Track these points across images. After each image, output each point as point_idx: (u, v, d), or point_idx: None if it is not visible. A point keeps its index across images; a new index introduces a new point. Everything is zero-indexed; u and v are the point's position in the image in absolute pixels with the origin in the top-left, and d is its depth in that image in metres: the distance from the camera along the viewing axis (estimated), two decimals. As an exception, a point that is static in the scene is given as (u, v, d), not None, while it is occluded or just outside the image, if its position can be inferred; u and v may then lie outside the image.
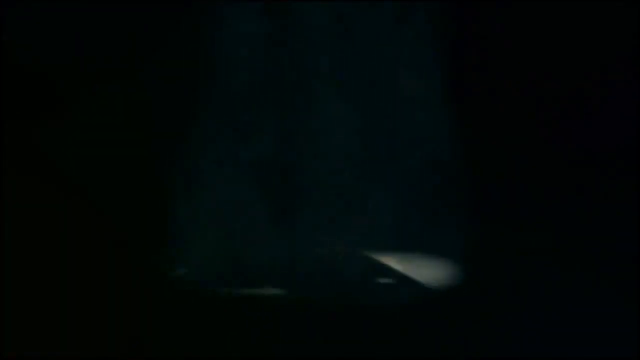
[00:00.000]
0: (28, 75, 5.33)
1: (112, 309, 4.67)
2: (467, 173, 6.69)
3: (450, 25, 6.88)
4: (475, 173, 6.48)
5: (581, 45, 5.84)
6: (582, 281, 5.31)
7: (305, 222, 7.69)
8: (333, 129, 7.00)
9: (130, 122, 5.89)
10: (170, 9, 6.25)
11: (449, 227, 6.71)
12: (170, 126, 6.49)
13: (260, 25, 7.45)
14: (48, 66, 5.50)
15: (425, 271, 6.47)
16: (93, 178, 5.52)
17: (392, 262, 6.87)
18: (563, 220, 5.75)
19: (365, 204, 7.09)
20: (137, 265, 5.30)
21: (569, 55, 5.94)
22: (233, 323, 4.78)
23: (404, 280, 6.14)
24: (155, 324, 4.58)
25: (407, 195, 7.51)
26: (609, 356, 4.17)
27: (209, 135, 7.37)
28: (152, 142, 6.05)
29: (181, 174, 6.84)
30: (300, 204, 7.45)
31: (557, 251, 5.67)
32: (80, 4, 5.60)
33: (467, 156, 6.65)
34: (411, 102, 7.43)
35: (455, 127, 6.78)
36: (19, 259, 4.93)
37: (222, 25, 7.20)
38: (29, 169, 5.16)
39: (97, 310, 4.63)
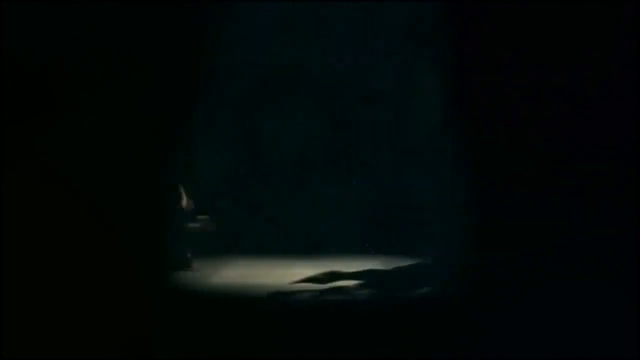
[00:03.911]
0: (28, 75, 5.33)
1: (113, 310, 4.66)
2: (468, 173, 6.69)
3: (453, 26, 6.87)
4: (476, 173, 6.47)
5: (581, 47, 5.84)
6: (582, 281, 5.31)
7: (308, 219, 7.67)
8: (332, 125, 6.98)
9: (130, 123, 5.88)
10: (170, 9, 6.24)
11: (450, 227, 6.70)
12: (170, 126, 6.48)
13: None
14: (48, 67, 5.49)
15: (425, 271, 6.47)
16: (93, 178, 5.51)
17: (393, 261, 6.86)
18: (563, 220, 5.74)
19: (365, 203, 7.09)
20: (138, 267, 5.28)
21: (569, 58, 5.93)
22: (232, 322, 4.78)
23: (403, 279, 6.14)
24: (155, 325, 4.58)
25: (408, 195, 7.51)
26: (609, 356, 4.17)
27: (209, 135, 7.36)
28: (152, 142, 6.04)
29: (182, 174, 6.83)
30: (301, 202, 7.45)
31: (557, 251, 5.66)
32: (80, 4, 5.59)
33: (468, 157, 6.64)
34: (414, 103, 7.44)
35: (456, 128, 6.78)
36: (19, 261, 4.91)
37: (221, 27, 7.19)
38: (30, 170, 5.15)
39: (97, 312, 4.63)
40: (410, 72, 7.45)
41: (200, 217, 7.42)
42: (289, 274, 6.50)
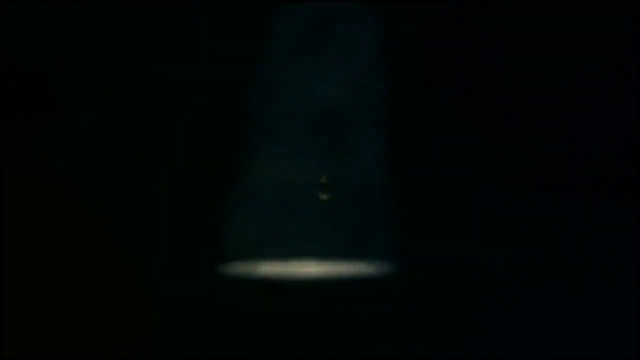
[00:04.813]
0: (28, 75, 5.34)
1: (113, 310, 4.67)
2: (468, 174, 6.69)
3: (452, 25, 6.87)
4: (476, 174, 6.48)
5: (580, 46, 5.85)
6: (582, 281, 5.32)
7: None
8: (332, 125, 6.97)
9: (130, 123, 5.89)
10: (170, 9, 6.25)
11: (449, 227, 6.71)
12: (171, 126, 6.49)
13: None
14: (48, 67, 5.51)
15: (424, 270, 6.48)
16: (93, 178, 5.52)
17: (392, 260, 6.86)
18: (563, 220, 5.75)
19: (363, 204, 7.08)
20: (138, 267, 5.30)
21: (567, 56, 5.94)
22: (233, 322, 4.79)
23: (403, 278, 6.15)
24: (155, 325, 4.58)
25: (407, 196, 7.51)
26: (609, 356, 4.19)
27: (209, 134, 7.36)
28: (152, 142, 6.05)
29: (182, 173, 6.84)
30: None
31: (557, 251, 5.68)
32: (80, 4, 5.60)
33: (468, 157, 6.65)
34: (411, 101, 7.43)
35: (455, 128, 6.79)
36: (19, 261, 4.93)
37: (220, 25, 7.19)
38: (30, 170, 5.16)
39: (97, 312, 4.63)
40: (411, 69, 7.45)
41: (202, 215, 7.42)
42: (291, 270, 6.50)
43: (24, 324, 4.45)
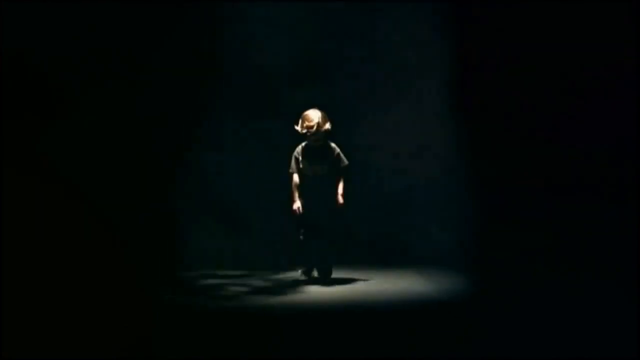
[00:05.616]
0: (28, 75, 5.32)
1: (113, 311, 4.66)
2: (469, 174, 6.67)
3: (452, 28, 6.85)
4: (477, 174, 6.46)
5: (581, 46, 5.83)
6: (582, 281, 5.31)
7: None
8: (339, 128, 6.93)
9: (130, 123, 5.87)
10: (170, 9, 6.23)
11: (449, 227, 6.69)
12: (171, 126, 6.47)
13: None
14: (48, 67, 5.49)
15: (426, 271, 6.47)
16: (93, 179, 5.51)
17: (393, 260, 6.85)
18: (563, 220, 5.74)
19: (364, 200, 7.07)
20: (138, 268, 5.28)
21: (568, 57, 5.93)
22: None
23: (403, 278, 6.14)
24: (155, 326, 4.58)
25: (409, 197, 7.48)
26: (609, 356, 4.17)
27: (210, 134, 7.33)
28: (153, 142, 6.03)
29: (184, 175, 6.81)
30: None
31: (557, 251, 5.66)
32: (80, 4, 5.59)
33: (468, 158, 6.63)
34: (414, 105, 7.41)
35: (457, 130, 6.77)
36: (19, 262, 4.91)
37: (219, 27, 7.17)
38: (30, 170, 5.14)
39: (97, 312, 4.62)
40: (413, 66, 7.40)
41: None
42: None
43: (24, 323, 4.44)
